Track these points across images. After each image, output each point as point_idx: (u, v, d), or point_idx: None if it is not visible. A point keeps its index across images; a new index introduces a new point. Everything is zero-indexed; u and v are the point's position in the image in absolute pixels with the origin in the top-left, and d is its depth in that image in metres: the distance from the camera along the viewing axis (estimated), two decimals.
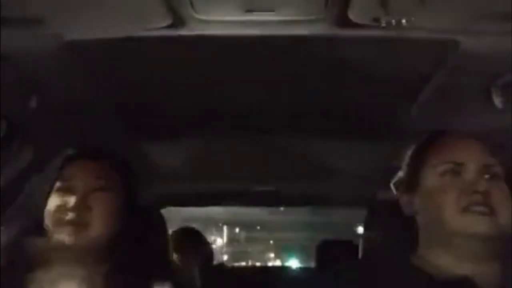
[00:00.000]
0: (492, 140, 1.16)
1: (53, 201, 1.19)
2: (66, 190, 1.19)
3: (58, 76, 1.37)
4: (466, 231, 1.05)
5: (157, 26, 1.12)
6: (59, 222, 1.15)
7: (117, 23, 1.13)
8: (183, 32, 1.15)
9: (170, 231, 2.13)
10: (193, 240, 2.62)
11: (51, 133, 1.63)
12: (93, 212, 1.16)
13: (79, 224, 1.14)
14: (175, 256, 2.31)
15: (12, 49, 1.19)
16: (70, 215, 1.15)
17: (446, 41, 1.18)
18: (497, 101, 1.35)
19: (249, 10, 1.06)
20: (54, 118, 1.56)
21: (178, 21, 1.11)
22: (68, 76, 1.39)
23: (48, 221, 1.17)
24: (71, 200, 1.16)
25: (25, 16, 1.07)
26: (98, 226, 1.15)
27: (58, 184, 1.21)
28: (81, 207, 1.16)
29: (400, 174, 1.26)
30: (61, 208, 1.16)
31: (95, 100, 1.59)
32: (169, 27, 1.12)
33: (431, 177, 1.13)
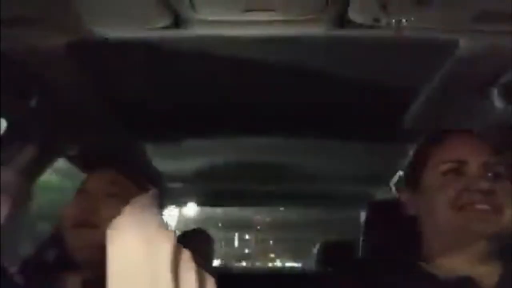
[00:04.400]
0: (494, 139, 1.16)
1: (70, 204, 1.24)
2: (81, 193, 1.25)
3: (59, 76, 1.37)
4: (468, 229, 1.04)
5: (157, 26, 1.12)
6: (69, 222, 1.20)
7: (117, 23, 1.13)
8: (183, 32, 1.16)
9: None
10: (194, 240, 2.61)
11: (51, 133, 1.63)
12: (102, 215, 1.19)
13: (86, 224, 1.19)
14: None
15: (12, 49, 1.19)
16: (79, 215, 1.20)
17: (446, 41, 1.18)
18: (497, 101, 1.35)
19: (249, 10, 1.06)
20: (54, 118, 1.57)
21: (178, 21, 1.11)
22: (69, 76, 1.39)
23: (61, 222, 1.22)
24: (84, 201, 1.22)
25: (25, 16, 1.08)
26: (105, 229, 1.17)
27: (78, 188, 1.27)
28: (91, 208, 1.20)
29: (401, 174, 1.25)
30: (73, 209, 1.22)
31: (95, 100, 1.59)
32: (169, 27, 1.12)
33: (433, 177, 1.13)
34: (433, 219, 1.11)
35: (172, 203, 3.19)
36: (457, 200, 1.06)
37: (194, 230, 2.74)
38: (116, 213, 1.16)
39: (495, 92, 1.34)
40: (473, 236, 1.05)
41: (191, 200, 3.26)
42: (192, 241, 2.49)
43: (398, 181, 1.26)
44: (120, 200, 1.22)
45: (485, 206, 1.04)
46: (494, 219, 1.04)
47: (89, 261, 1.16)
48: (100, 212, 1.20)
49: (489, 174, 1.09)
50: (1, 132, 1.44)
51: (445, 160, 1.12)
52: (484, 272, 1.06)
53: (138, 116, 1.80)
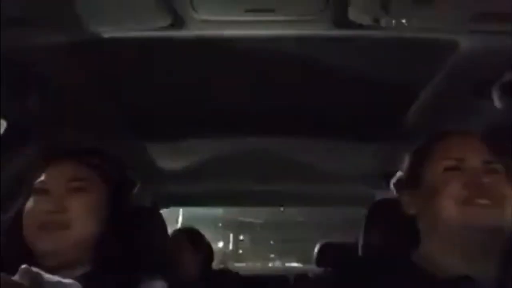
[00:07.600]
0: (492, 139, 1.17)
1: (29, 204, 1.15)
2: (42, 192, 1.15)
3: (59, 76, 1.37)
4: (469, 223, 1.05)
5: (157, 26, 1.12)
6: (34, 225, 1.12)
7: (117, 23, 1.13)
8: (183, 32, 1.16)
9: (170, 231, 2.12)
10: (193, 240, 2.61)
11: (51, 133, 1.63)
12: (69, 214, 1.12)
13: (54, 227, 1.10)
14: (175, 257, 2.30)
15: (12, 49, 1.19)
16: (45, 217, 1.11)
17: (446, 41, 1.18)
18: (497, 101, 1.35)
19: (249, 10, 1.07)
20: (54, 118, 1.57)
21: (178, 21, 1.11)
22: (69, 76, 1.39)
23: (24, 225, 1.13)
24: (47, 202, 1.13)
25: (25, 16, 1.08)
26: (75, 228, 1.11)
27: (35, 185, 1.18)
28: (57, 209, 1.12)
29: (400, 174, 1.26)
30: (36, 211, 1.13)
31: (96, 100, 1.59)
32: (169, 27, 1.12)
33: (433, 174, 1.14)
34: (434, 216, 1.12)
35: (172, 203, 3.19)
36: (459, 195, 1.07)
37: (185, 229, 2.73)
38: (83, 208, 1.13)
39: (495, 92, 1.34)
40: (474, 231, 1.05)
41: (191, 200, 3.26)
42: (184, 240, 2.49)
43: (398, 181, 1.26)
44: (84, 193, 1.16)
45: (485, 201, 1.05)
46: (494, 213, 1.05)
47: (63, 263, 1.09)
48: (66, 211, 1.12)
49: (488, 171, 1.10)
50: (1, 132, 1.43)
51: (446, 157, 1.13)
52: (484, 270, 1.06)
53: (138, 116, 1.80)
